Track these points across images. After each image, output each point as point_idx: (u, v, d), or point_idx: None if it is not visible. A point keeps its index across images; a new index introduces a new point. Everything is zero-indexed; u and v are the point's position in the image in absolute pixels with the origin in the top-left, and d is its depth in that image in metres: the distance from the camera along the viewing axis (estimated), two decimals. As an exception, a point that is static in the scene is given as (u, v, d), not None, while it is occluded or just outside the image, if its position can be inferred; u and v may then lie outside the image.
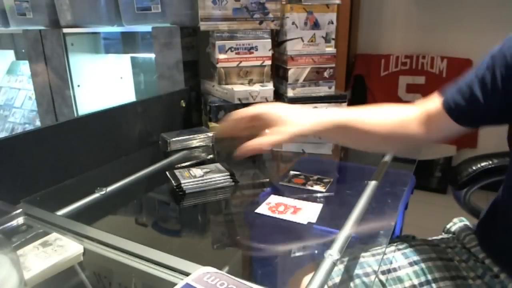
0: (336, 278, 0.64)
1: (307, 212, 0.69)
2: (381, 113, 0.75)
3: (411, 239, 0.81)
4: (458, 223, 0.83)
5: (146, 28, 1.28)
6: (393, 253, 0.75)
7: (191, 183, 0.79)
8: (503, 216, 0.69)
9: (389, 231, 0.63)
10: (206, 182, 0.80)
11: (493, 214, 0.74)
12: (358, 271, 0.66)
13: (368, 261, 0.69)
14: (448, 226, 0.85)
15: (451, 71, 2.02)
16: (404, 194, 0.78)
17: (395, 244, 0.78)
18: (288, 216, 0.68)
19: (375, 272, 0.68)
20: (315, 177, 0.85)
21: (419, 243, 0.78)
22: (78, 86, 1.57)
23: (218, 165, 0.86)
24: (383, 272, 0.70)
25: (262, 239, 0.69)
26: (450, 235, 0.82)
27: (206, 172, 0.82)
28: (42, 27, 1.52)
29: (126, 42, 1.60)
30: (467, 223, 0.83)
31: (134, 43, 1.58)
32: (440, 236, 0.84)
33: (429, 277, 0.70)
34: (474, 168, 0.95)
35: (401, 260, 0.74)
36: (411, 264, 0.72)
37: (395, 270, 0.72)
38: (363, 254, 0.70)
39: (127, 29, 1.37)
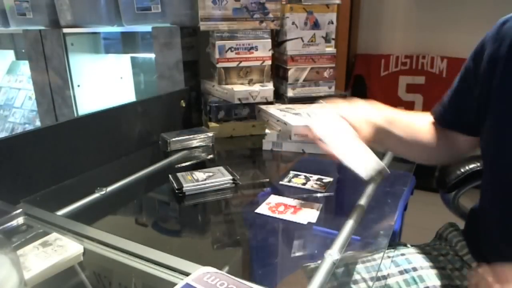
0: (335, 279, 0.64)
1: (307, 212, 0.69)
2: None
3: (403, 247, 0.79)
4: (449, 228, 0.81)
5: (146, 28, 1.28)
6: (384, 260, 0.74)
7: (193, 187, 0.78)
8: (486, 223, 0.68)
9: (389, 231, 0.63)
10: (207, 186, 0.80)
11: (476, 221, 0.73)
12: (346, 278, 0.66)
13: (358, 267, 0.68)
14: (439, 231, 0.83)
15: (451, 71, 2.01)
16: (404, 194, 0.78)
17: (386, 251, 0.77)
18: (288, 216, 0.68)
19: (364, 279, 0.67)
20: (315, 177, 0.85)
21: (410, 251, 0.76)
22: (78, 86, 1.57)
23: (222, 168, 0.86)
24: (372, 279, 0.69)
25: (262, 239, 0.69)
26: (442, 241, 0.81)
27: (209, 176, 0.82)
28: (42, 27, 1.52)
29: (126, 42, 1.60)
30: (458, 228, 0.81)
31: (134, 43, 1.58)
32: (432, 243, 0.82)
33: (420, 286, 0.68)
34: (462, 170, 0.93)
35: (392, 268, 0.72)
36: (401, 272, 0.71)
37: (384, 278, 0.71)
38: (351, 260, 0.69)
39: (127, 29, 1.37)
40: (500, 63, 0.60)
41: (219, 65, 1.15)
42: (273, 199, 0.75)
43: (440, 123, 0.75)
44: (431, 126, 0.76)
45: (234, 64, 1.16)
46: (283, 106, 1.14)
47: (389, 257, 0.75)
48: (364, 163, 0.57)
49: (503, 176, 0.62)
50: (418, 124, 0.76)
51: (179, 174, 0.83)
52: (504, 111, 0.60)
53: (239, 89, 1.12)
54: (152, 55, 1.37)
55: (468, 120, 0.69)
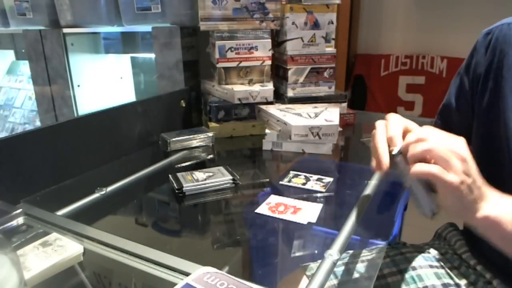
0: (335, 279, 0.64)
1: (307, 212, 0.69)
2: None
3: (402, 246, 0.80)
4: (448, 227, 0.81)
5: (146, 28, 1.28)
6: (383, 260, 0.74)
7: (193, 187, 0.78)
8: None
9: (389, 231, 0.63)
10: (207, 186, 0.80)
11: None
12: (346, 277, 0.66)
13: (357, 267, 0.68)
14: (439, 231, 0.83)
15: (451, 71, 2.01)
16: (404, 194, 0.78)
17: (384, 250, 0.77)
18: (288, 216, 0.68)
19: (363, 279, 0.67)
20: (315, 177, 0.85)
21: (409, 250, 0.76)
22: (78, 86, 1.57)
23: (222, 168, 0.86)
24: (371, 278, 0.69)
25: (262, 239, 0.69)
26: (441, 240, 0.81)
27: (209, 176, 0.82)
28: (42, 27, 1.52)
29: (126, 42, 1.60)
30: (457, 228, 0.81)
31: (134, 43, 1.58)
32: (431, 242, 0.82)
33: (419, 285, 0.68)
34: None
35: (391, 267, 0.72)
36: (400, 271, 0.71)
37: (384, 277, 0.71)
38: (351, 259, 0.69)
39: (127, 29, 1.37)
40: (484, 71, 0.64)
41: (219, 65, 1.15)
42: (273, 199, 0.75)
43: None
44: None
45: (234, 64, 1.16)
46: (283, 106, 1.14)
47: (388, 256, 0.75)
48: (422, 200, 0.56)
49: (491, 179, 0.63)
50: None
51: (179, 174, 0.83)
52: (488, 119, 0.63)
53: (239, 89, 1.12)
54: (152, 55, 1.37)
55: (464, 130, 0.72)
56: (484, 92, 0.64)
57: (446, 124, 0.76)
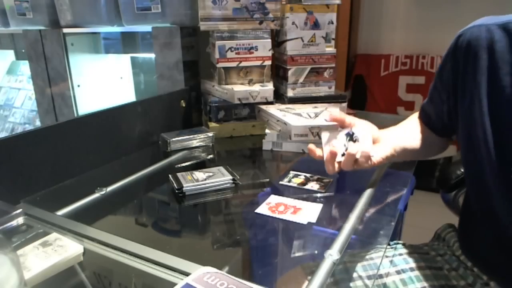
0: (335, 279, 0.64)
1: (307, 212, 0.69)
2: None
3: (401, 247, 0.80)
4: (447, 228, 0.82)
5: (146, 28, 1.28)
6: (381, 259, 0.74)
7: (193, 187, 0.78)
8: (476, 224, 0.69)
9: (389, 231, 0.63)
10: (207, 186, 0.80)
11: (466, 221, 0.74)
12: (344, 276, 0.66)
13: (356, 266, 0.68)
14: (438, 232, 0.83)
15: (451, 71, 2.02)
16: (404, 195, 0.78)
17: (383, 250, 0.78)
18: (288, 216, 0.68)
19: (361, 278, 0.67)
20: (315, 177, 0.85)
21: (408, 251, 0.76)
22: (78, 86, 1.57)
23: (222, 168, 0.86)
24: (369, 278, 0.69)
25: (262, 239, 0.69)
26: (440, 241, 0.81)
27: (209, 176, 0.82)
28: (42, 27, 1.52)
29: (126, 42, 1.60)
30: (456, 229, 0.81)
31: (134, 43, 1.58)
32: (430, 243, 0.82)
33: (418, 285, 0.69)
34: (462, 170, 0.94)
35: (389, 267, 0.73)
36: (398, 272, 0.71)
37: (381, 277, 0.71)
38: (350, 259, 0.69)
39: (127, 29, 1.37)
40: (460, 75, 0.64)
41: (219, 65, 1.15)
42: (273, 199, 0.75)
43: (424, 123, 0.80)
44: (418, 127, 0.79)
45: (234, 64, 1.16)
46: (283, 106, 1.14)
47: (387, 256, 0.75)
48: None
49: (476, 179, 0.64)
50: (414, 138, 0.78)
51: (179, 174, 0.83)
52: (469, 122, 0.63)
53: (239, 89, 1.12)
54: (152, 55, 1.37)
55: (440, 123, 0.75)
56: (464, 95, 0.64)
57: (426, 124, 0.79)
